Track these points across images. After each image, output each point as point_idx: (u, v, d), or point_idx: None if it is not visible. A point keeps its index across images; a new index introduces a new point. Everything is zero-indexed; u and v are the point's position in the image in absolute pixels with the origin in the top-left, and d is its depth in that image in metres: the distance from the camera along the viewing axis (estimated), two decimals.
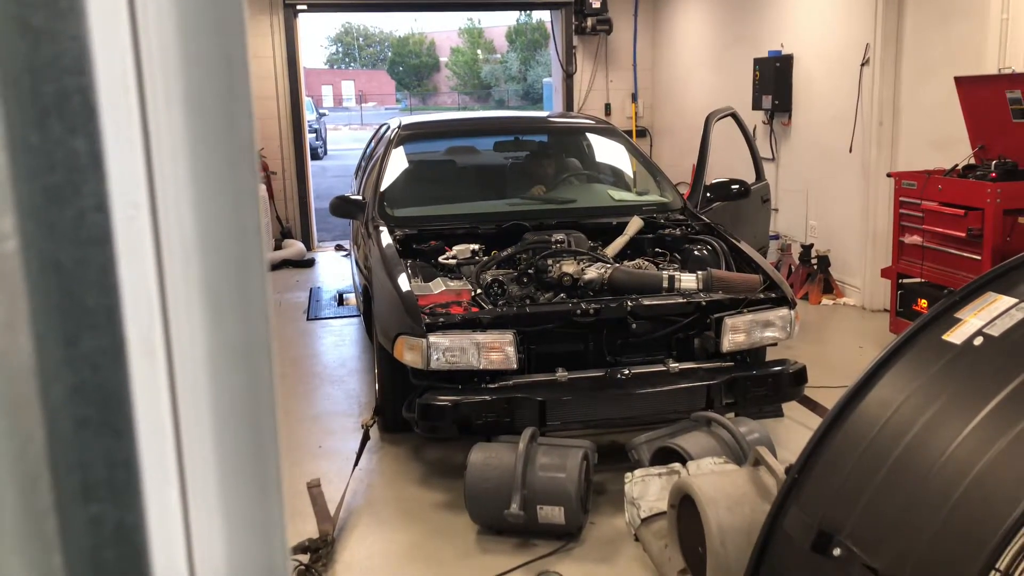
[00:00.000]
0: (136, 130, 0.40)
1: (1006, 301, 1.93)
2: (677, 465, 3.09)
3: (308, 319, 6.47)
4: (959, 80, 4.89)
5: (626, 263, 4.11)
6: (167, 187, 0.41)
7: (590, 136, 5.70)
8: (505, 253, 4.18)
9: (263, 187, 8.17)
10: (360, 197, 4.95)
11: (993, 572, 1.63)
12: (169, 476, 0.43)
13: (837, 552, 1.83)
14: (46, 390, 0.39)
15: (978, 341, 1.89)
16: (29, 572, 0.38)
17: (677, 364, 3.63)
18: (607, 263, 3.96)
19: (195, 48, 0.41)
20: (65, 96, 0.39)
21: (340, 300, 6.92)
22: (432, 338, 3.39)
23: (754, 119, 7.39)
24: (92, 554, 0.41)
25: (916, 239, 5.14)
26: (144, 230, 0.41)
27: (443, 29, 56.43)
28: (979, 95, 4.82)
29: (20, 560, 0.38)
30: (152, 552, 0.42)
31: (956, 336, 1.93)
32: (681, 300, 3.65)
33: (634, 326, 3.59)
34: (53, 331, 0.39)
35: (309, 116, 12.72)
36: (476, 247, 4.25)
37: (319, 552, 3.11)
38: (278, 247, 8.53)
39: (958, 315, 1.97)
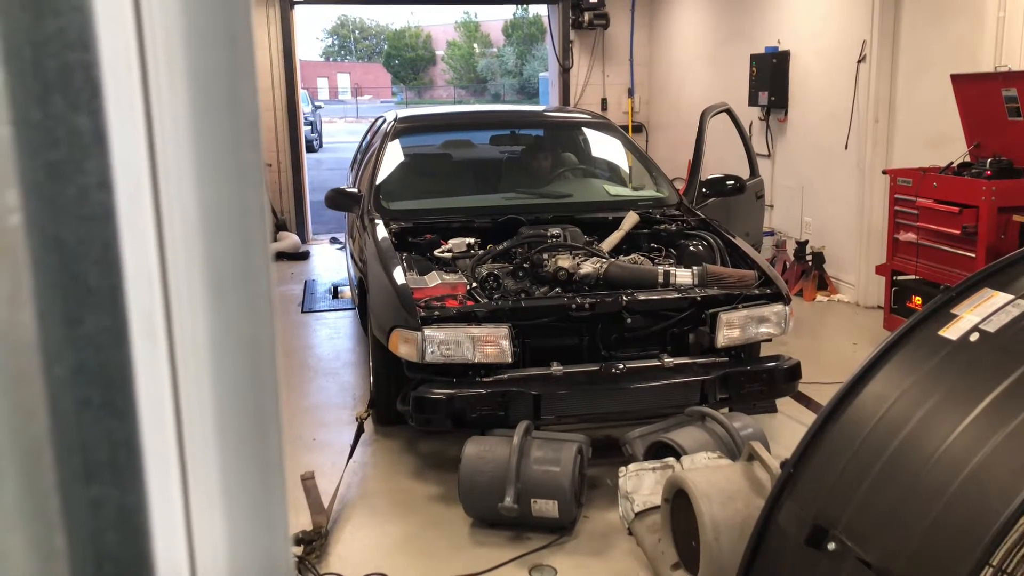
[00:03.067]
0: (139, 107, 0.40)
1: (1002, 297, 1.94)
2: (671, 460, 3.09)
3: (303, 311, 6.46)
4: (955, 78, 4.90)
5: (621, 258, 4.11)
6: (169, 165, 0.41)
7: (586, 131, 5.69)
8: (501, 247, 4.17)
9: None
10: (356, 190, 4.94)
11: (987, 568, 1.64)
12: (170, 459, 0.43)
13: (831, 546, 1.83)
14: (49, 368, 0.38)
15: (974, 337, 1.89)
16: (31, 552, 0.38)
17: (672, 359, 3.63)
18: (603, 258, 3.96)
19: (199, 24, 0.40)
20: (68, 71, 0.38)
21: (335, 293, 6.91)
22: (427, 331, 3.38)
23: (750, 115, 7.39)
24: (94, 535, 0.40)
25: (911, 236, 5.15)
26: (146, 209, 0.40)
27: (439, 23, 56.28)
28: (975, 93, 4.83)
29: (23, 539, 0.38)
30: (153, 534, 0.42)
31: (952, 332, 1.93)
32: (676, 295, 3.65)
33: (629, 321, 3.59)
34: (56, 309, 0.39)
35: (305, 109, 12.68)
36: (472, 241, 4.25)
37: (313, 544, 3.11)
38: (273, 239, 8.51)
39: (954, 311, 1.97)
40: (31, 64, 0.37)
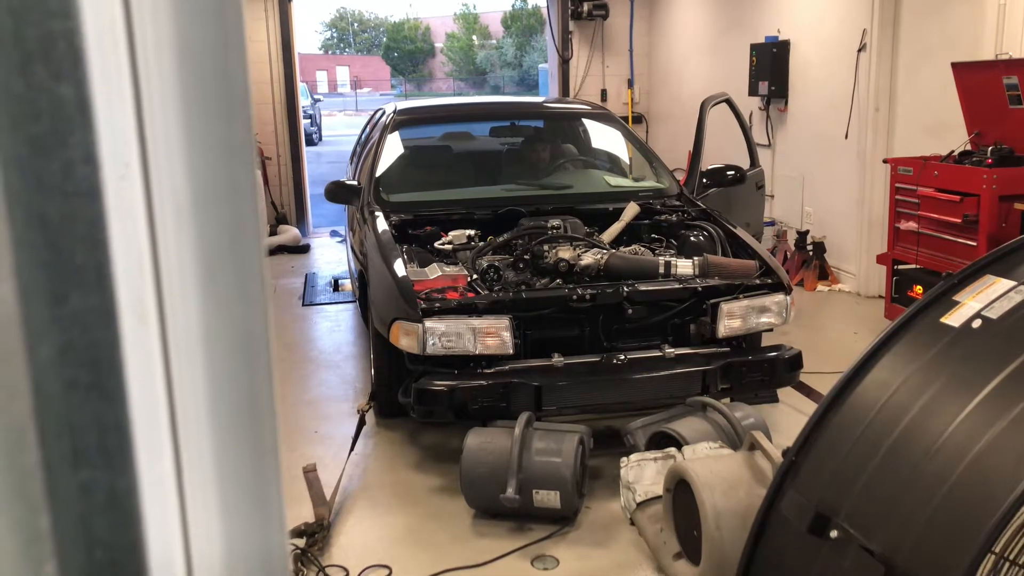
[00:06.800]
0: (126, 78, 0.39)
1: (1004, 284, 1.93)
2: (672, 450, 3.08)
3: (303, 305, 6.45)
4: (956, 66, 4.88)
5: (622, 249, 4.10)
6: (158, 140, 0.40)
7: (586, 122, 5.67)
8: (501, 239, 4.16)
9: (258, 172, 8.10)
10: (355, 183, 4.92)
11: (989, 555, 1.63)
12: (163, 443, 0.42)
13: (834, 534, 1.83)
14: (33, 348, 0.37)
15: (976, 324, 1.89)
16: (14, 532, 0.37)
17: (673, 349, 3.62)
18: (603, 249, 3.95)
19: None
20: (50, 41, 0.37)
21: (335, 286, 6.89)
22: (428, 323, 3.38)
23: (750, 105, 7.37)
24: (82, 519, 0.39)
25: (912, 225, 5.14)
26: (135, 184, 0.39)
27: (438, 15, 56.14)
28: (976, 81, 4.81)
29: (4, 519, 0.37)
30: (145, 519, 0.41)
31: (954, 319, 1.92)
32: (677, 286, 3.64)
33: (630, 311, 3.58)
34: (40, 287, 0.38)
35: (304, 102, 12.66)
36: (472, 232, 4.23)
37: (315, 536, 3.11)
38: (273, 233, 8.48)
39: (956, 298, 1.96)
40: (11, 33, 0.36)
